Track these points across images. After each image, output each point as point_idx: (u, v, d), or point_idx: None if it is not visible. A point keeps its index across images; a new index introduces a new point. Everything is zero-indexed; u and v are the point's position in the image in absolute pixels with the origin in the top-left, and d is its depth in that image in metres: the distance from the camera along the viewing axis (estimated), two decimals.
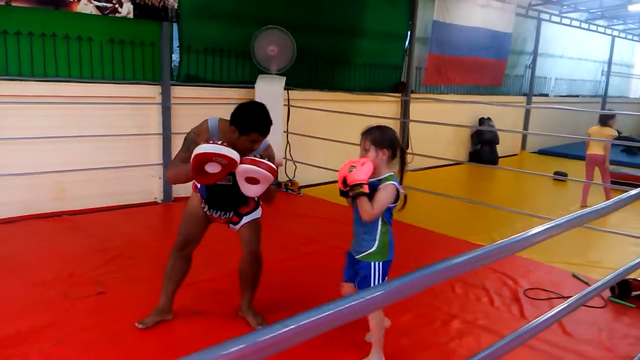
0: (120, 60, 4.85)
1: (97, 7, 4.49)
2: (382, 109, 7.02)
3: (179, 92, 5.25)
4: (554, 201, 6.44)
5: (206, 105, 5.49)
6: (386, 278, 2.35)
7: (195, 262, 2.87)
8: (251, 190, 2.45)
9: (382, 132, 2.38)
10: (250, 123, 2.49)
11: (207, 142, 2.39)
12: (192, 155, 2.32)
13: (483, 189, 7.11)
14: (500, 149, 9.10)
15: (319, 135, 5.97)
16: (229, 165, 2.34)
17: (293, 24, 5.79)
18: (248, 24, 5.60)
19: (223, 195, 2.66)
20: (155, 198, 5.30)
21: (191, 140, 2.57)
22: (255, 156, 2.39)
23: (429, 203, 5.56)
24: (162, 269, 3.37)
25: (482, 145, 8.95)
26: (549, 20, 9.70)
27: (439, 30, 7.67)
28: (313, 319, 0.83)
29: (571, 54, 11.12)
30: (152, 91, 5.09)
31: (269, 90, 5.51)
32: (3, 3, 4.03)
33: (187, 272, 2.83)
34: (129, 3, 4.66)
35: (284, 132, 5.81)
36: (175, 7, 4.99)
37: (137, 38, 4.91)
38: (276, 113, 5.53)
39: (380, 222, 2.35)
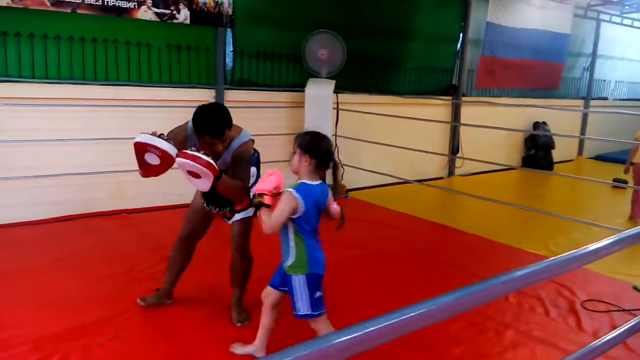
0: (177, 65, 5.01)
1: (156, 13, 4.66)
2: (432, 112, 6.93)
3: (232, 95, 5.36)
4: (613, 210, 6.15)
5: (257, 108, 5.60)
6: (316, 292, 2.22)
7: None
8: (198, 184, 2.44)
9: (312, 138, 2.26)
10: (199, 126, 2.49)
11: (184, 142, 2.50)
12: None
13: (537, 195, 6.89)
14: (556, 154, 8.79)
15: (368, 138, 5.96)
16: (165, 158, 2.38)
17: (344, 27, 5.82)
18: (299, 29, 5.66)
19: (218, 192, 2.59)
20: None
21: (169, 138, 2.59)
22: (198, 151, 2.36)
23: (480, 209, 5.44)
24: (214, 268, 3.49)
25: (537, 150, 8.68)
26: (609, 22, 9.30)
27: (492, 32, 7.50)
28: (379, 326, 0.84)
29: (633, 55, 10.61)
30: (207, 95, 5.22)
31: (319, 94, 5.55)
32: (69, 11, 4.25)
33: (186, 264, 2.96)
34: (186, 9, 4.81)
35: (333, 135, 5.83)
36: (230, 12, 5.11)
37: (193, 43, 5.07)
38: (325, 116, 5.57)
39: (291, 234, 2.21)
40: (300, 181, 2.20)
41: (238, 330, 2.76)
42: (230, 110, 5.83)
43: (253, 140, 2.76)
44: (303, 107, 5.60)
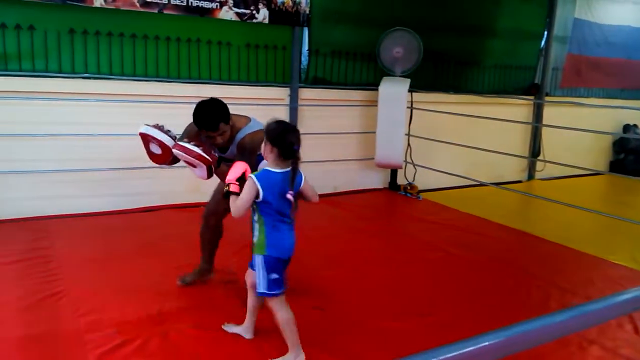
0: (255, 64, 5.14)
1: (237, 13, 4.79)
2: (512, 112, 6.63)
3: (306, 94, 5.42)
4: None
5: (331, 107, 5.63)
6: (273, 274, 2.32)
7: None
8: (197, 173, 2.66)
9: (278, 129, 2.30)
10: (195, 121, 2.68)
11: (196, 136, 2.72)
12: None
13: (625, 203, 6.41)
14: None
15: (442, 138, 5.81)
16: (164, 148, 2.66)
17: (420, 24, 5.70)
18: (375, 27, 5.62)
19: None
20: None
21: (186, 131, 2.91)
22: (197, 144, 2.58)
23: (562, 215, 5.14)
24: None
25: (626, 155, 8.09)
26: None
27: (580, 29, 7.08)
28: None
29: None
30: (282, 93, 5.32)
31: (393, 93, 5.48)
32: (156, 11, 4.47)
33: (216, 240, 3.16)
34: (265, 9, 4.91)
35: (406, 134, 5.74)
36: (307, 12, 5.17)
37: (271, 42, 5.17)
38: (399, 115, 5.50)
39: (255, 216, 2.34)
40: (263, 168, 2.32)
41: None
42: (305, 108, 5.95)
43: (260, 130, 2.67)
44: (376, 105, 5.56)
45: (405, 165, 5.94)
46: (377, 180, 6.13)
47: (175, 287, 3.13)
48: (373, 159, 5.71)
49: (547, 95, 7.11)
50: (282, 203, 2.30)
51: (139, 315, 2.75)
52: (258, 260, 2.33)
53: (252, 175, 2.26)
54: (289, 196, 2.28)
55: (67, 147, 4.40)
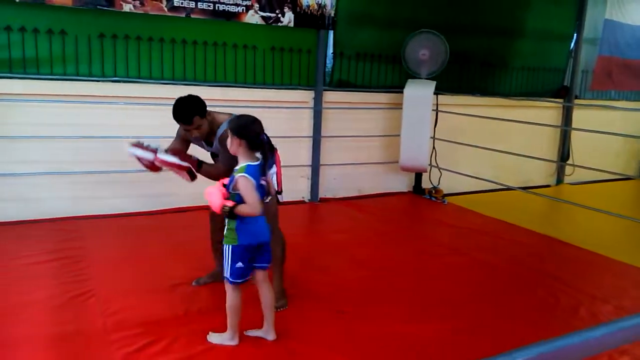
0: (279, 67, 5.17)
1: (262, 17, 4.83)
2: (540, 115, 6.52)
3: (331, 96, 5.42)
4: None
5: (355, 109, 5.62)
6: (238, 263, 2.42)
7: None
8: (182, 177, 2.87)
9: (240, 122, 2.45)
10: (173, 115, 2.83)
11: (184, 135, 2.98)
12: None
13: None
14: None
15: (468, 141, 5.74)
16: (149, 163, 2.88)
17: (446, 26, 5.66)
18: (400, 29, 5.59)
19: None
20: (303, 197, 5.54)
21: (177, 131, 3.06)
22: (166, 154, 2.85)
23: (591, 221, 5.02)
24: (308, 265, 3.57)
25: None
26: None
27: (611, 30, 6.91)
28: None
29: None
30: (306, 96, 5.33)
31: (418, 95, 5.44)
32: (184, 15, 4.53)
33: None
34: (290, 12, 4.94)
35: (431, 137, 5.68)
36: (332, 15, 5.17)
37: (296, 45, 5.19)
38: (424, 118, 5.45)
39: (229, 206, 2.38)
40: (244, 164, 2.39)
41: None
42: (329, 111, 5.94)
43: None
44: (401, 108, 5.52)
45: (430, 169, 5.89)
46: (401, 183, 6.09)
47: (202, 288, 3.16)
48: (397, 162, 5.67)
49: (576, 97, 6.97)
50: (259, 192, 2.42)
51: (165, 315, 2.78)
52: (226, 248, 2.44)
53: (243, 173, 2.35)
54: (262, 182, 2.45)
55: (98, 148, 4.48)
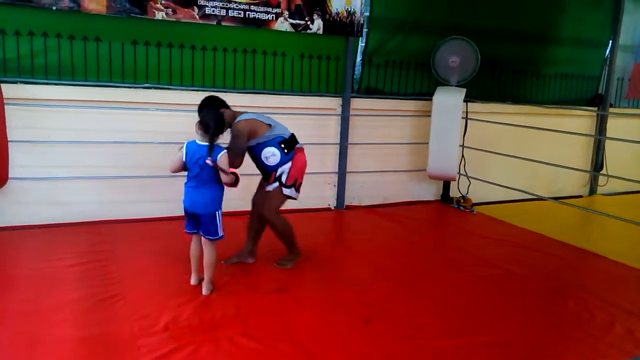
0: (308, 74, 5.18)
1: (292, 24, 4.85)
2: (573, 124, 6.36)
3: (358, 104, 5.40)
4: None
5: (384, 117, 5.58)
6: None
7: None
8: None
9: (202, 111, 3.32)
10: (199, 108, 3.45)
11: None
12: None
13: None
14: None
15: (498, 150, 5.63)
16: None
17: (477, 32, 5.59)
18: (430, 36, 5.55)
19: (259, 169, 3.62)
20: (329, 204, 5.52)
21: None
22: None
23: (626, 233, 4.85)
24: (334, 272, 3.58)
25: None
26: None
27: None
28: None
29: None
30: (334, 103, 5.33)
31: (447, 103, 5.37)
32: (215, 23, 4.59)
33: (259, 226, 3.71)
34: (320, 19, 4.95)
35: (460, 146, 5.60)
36: (361, 22, 5.16)
37: (324, 52, 5.20)
38: (453, 126, 5.38)
39: None
40: (193, 140, 3.10)
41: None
42: (357, 118, 5.91)
43: (256, 120, 3.49)
44: (429, 116, 5.47)
45: (459, 177, 5.81)
46: (429, 192, 6.02)
47: (227, 294, 3.17)
48: (425, 170, 5.61)
49: (611, 106, 6.78)
50: (194, 168, 3.06)
51: (192, 321, 2.80)
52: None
53: (184, 145, 3.11)
54: (208, 161, 2.97)
55: (130, 154, 4.56)
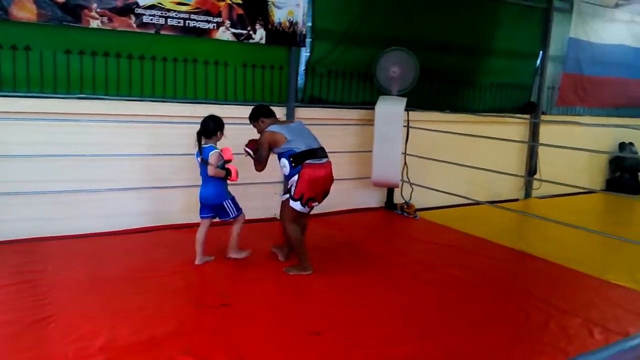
0: (251, 83, 5.14)
1: (234, 33, 4.81)
2: (508, 131, 6.65)
3: (302, 113, 5.41)
4: None
5: (327, 125, 5.61)
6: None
7: None
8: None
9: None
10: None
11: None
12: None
13: (622, 221, 6.39)
14: None
15: (439, 157, 5.80)
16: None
17: (417, 44, 5.75)
18: (371, 46, 5.65)
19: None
20: (275, 214, 5.47)
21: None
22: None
23: (559, 234, 5.10)
24: (280, 284, 3.52)
25: (622, 173, 8.10)
26: None
27: (575, 48, 7.14)
28: None
29: None
30: (278, 112, 5.26)
31: (389, 112, 5.48)
32: (153, 32, 4.47)
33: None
34: (262, 29, 4.93)
35: (402, 153, 5.72)
36: (304, 32, 5.19)
37: (267, 62, 5.18)
38: (395, 134, 5.49)
39: None
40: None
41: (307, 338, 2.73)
42: None
43: (277, 132, 3.77)
44: (373, 124, 5.55)
45: (402, 184, 5.92)
46: (373, 199, 6.10)
47: (167, 311, 3.07)
48: (369, 177, 5.69)
49: (543, 113, 7.14)
50: (200, 167, 3.76)
51: (130, 340, 2.69)
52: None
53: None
54: (198, 159, 3.70)
55: (60, 167, 4.36)
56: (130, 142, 4.62)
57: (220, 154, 3.75)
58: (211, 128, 3.76)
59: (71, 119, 4.33)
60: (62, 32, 4.22)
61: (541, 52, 6.95)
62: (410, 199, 6.00)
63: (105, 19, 4.25)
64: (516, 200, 7.09)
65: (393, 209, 5.97)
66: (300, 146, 3.74)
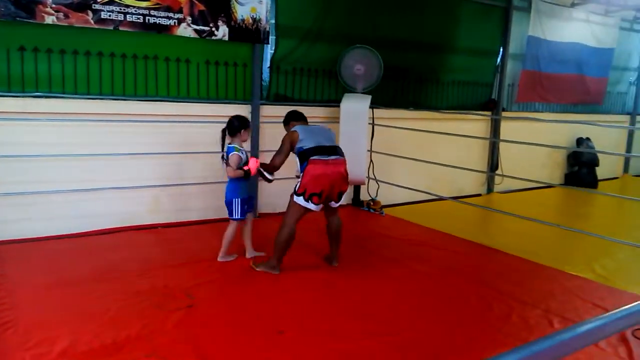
0: (215, 81, 5.08)
1: (196, 30, 4.73)
2: (470, 127, 6.79)
3: (268, 111, 5.38)
4: None
5: None
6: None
7: None
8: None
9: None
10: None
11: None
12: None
13: (580, 214, 6.63)
14: (600, 172, 8.46)
15: (404, 154, 5.87)
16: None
17: (380, 42, 5.79)
18: (336, 44, 5.66)
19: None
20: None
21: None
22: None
23: (520, 228, 5.25)
24: (244, 284, 3.48)
25: (580, 167, 8.39)
26: None
27: (534, 46, 7.34)
28: None
29: None
30: (243, 110, 5.24)
31: (354, 109, 5.50)
32: (111, 28, 4.36)
33: (330, 232, 4.13)
34: (225, 26, 4.87)
35: (368, 150, 5.76)
36: (267, 29, 5.15)
37: (231, 59, 5.12)
38: (360, 131, 5.52)
39: None
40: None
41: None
42: (267, 125, 5.89)
43: (295, 131, 3.90)
44: (338, 122, 5.57)
45: (368, 181, 5.96)
46: None
47: (131, 314, 3.00)
48: None
49: (503, 110, 7.31)
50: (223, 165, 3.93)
51: (92, 345, 2.62)
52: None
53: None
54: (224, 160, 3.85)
55: (17, 169, 4.21)
56: (88, 142, 4.50)
57: (239, 156, 3.82)
58: (235, 126, 3.87)
59: (23, 118, 4.18)
60: (15, 29, 4.07)
61: (501, 50, 7.12)
62: (376, 196, 6.05)
63: (61, 14, 4.12)
64: (479, 195, 7.24)
65: (360, 206, 6.01)
66: (309, 144, 3.82)
